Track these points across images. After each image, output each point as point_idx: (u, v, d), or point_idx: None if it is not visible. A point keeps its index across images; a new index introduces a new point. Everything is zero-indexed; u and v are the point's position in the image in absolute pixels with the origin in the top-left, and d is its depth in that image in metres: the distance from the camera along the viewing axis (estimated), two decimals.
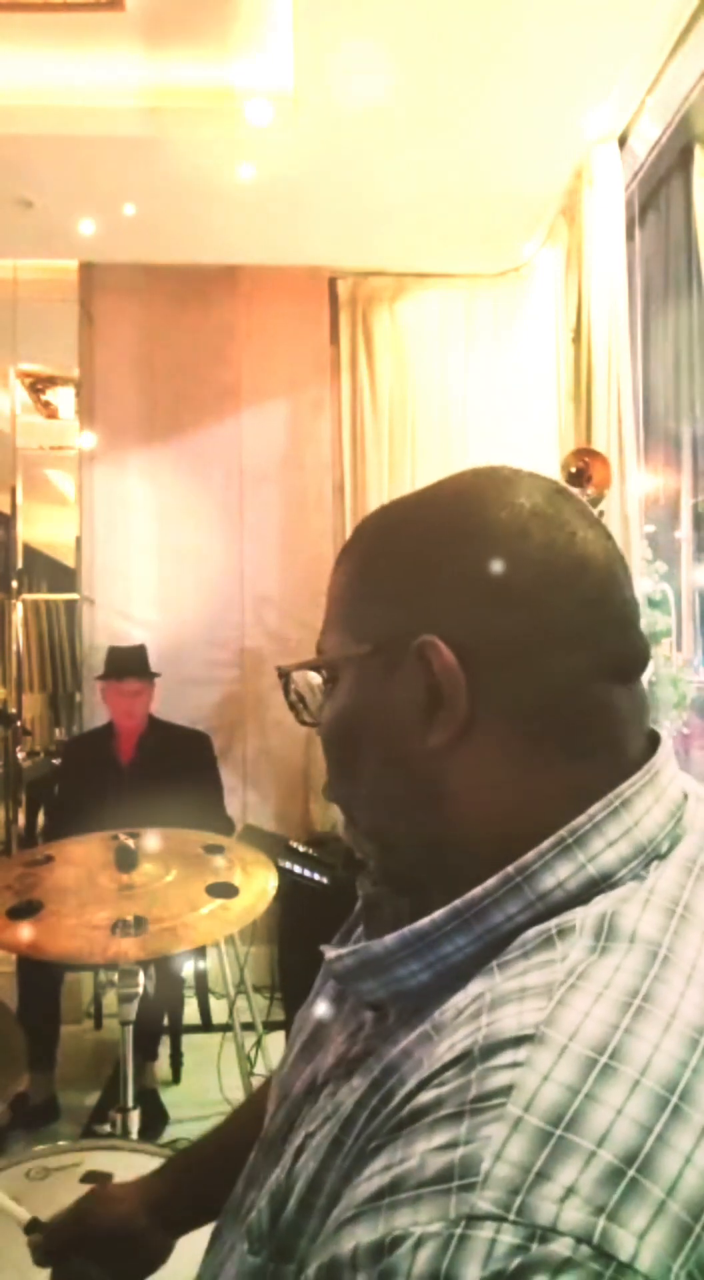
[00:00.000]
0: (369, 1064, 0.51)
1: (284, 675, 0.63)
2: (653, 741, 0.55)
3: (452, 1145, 0.38)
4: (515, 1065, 0.39)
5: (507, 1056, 0.40)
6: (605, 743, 0.52)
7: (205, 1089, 2.69)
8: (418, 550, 0.54)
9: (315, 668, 0.60)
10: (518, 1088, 0.38)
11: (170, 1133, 2.56)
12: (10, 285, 3.71)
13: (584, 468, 2.30)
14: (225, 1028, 2.89)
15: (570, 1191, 0.35)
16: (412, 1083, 0.45)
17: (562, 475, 2.30)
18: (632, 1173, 0.36)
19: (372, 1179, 0.41)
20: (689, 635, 2.95)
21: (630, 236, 2.89)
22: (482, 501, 0.54)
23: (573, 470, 2.30)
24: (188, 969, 3.05)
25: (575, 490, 2.26)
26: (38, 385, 3.98)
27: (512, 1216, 0.35)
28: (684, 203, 2.70)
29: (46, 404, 4.01)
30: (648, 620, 2.85)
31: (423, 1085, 0.43)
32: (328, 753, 0.60)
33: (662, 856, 0.49)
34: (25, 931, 1.58)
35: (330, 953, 0.56)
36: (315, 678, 0.61)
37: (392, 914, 0.60)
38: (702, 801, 0.55)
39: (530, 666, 0.51)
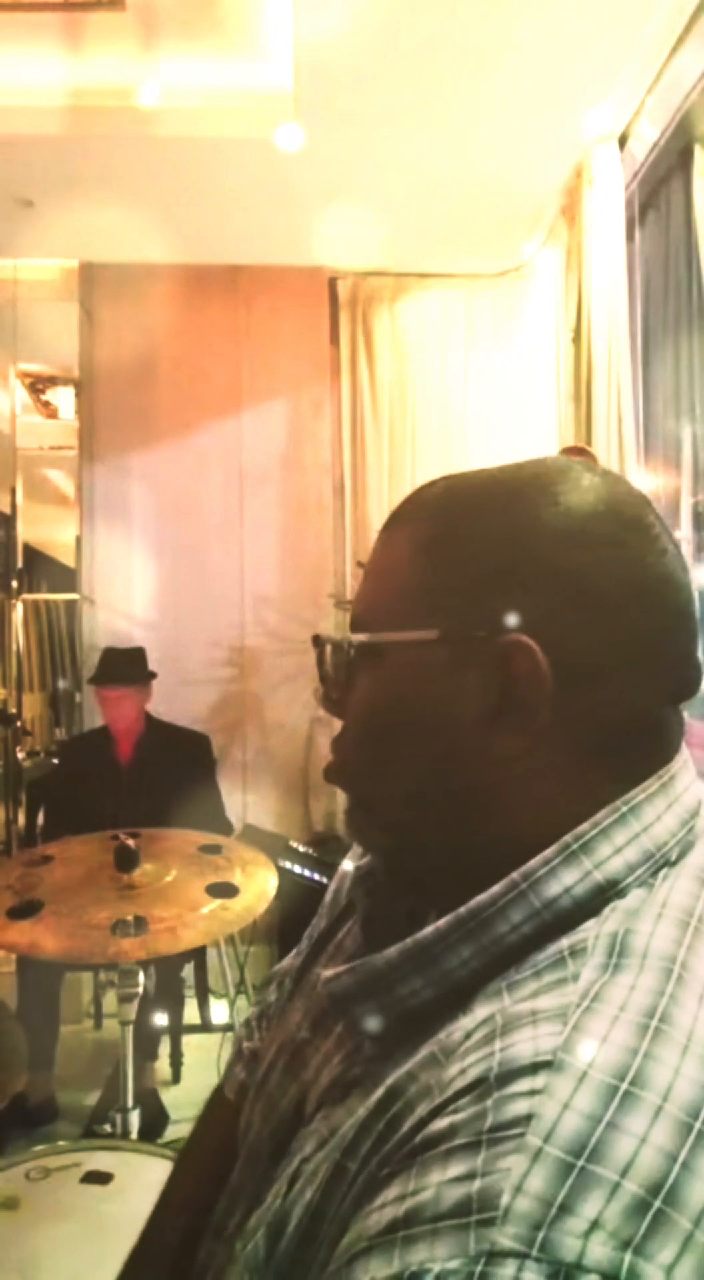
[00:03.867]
0: (367, 1086, 0.49)
1: (321, 646, 0.58)
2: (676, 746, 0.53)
3: (469, 1176, 0.37)
4: (533, 1093, 0.38)
5: (524, 1084, 0.38)
6: (654, 768, 0.50)
7: (205, 1089, 2.65)
8: (500, 538, 0.50)
9: (357, 643, 0.54)
10: (537, 1117, 0.37)
11: (170, 1132, 2.56)
12: (10, 285, 3.71)
13: None
14: (225, 1028, 2.90)
15: (595, 1225, 0.34)
16: (422, 1109, 0.43)
17: None
18: (657, 1203, 0.34)
19: (385, 1209, 0.40)
20: None
21: (630, 236, 2.89)
22: (575, 498, 0.50)
23: None
24: (188, 969, 3.05)
25: None
26: (38, 385, 3.98)
27: (534, 1253, 0.34)
28: (684, 203, 2.70)
29: (46, 404, 4.01)
30: None
31: (436, 1112, 0.42)
32: (360, 737, 0.55)
33: (671, 864, 0.48)
34: (25, 931, 1.58)
35: (326, 972, 0.53)
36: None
37: (388, 928, 0.58)
38: None
39: (607, 685, 0.48)
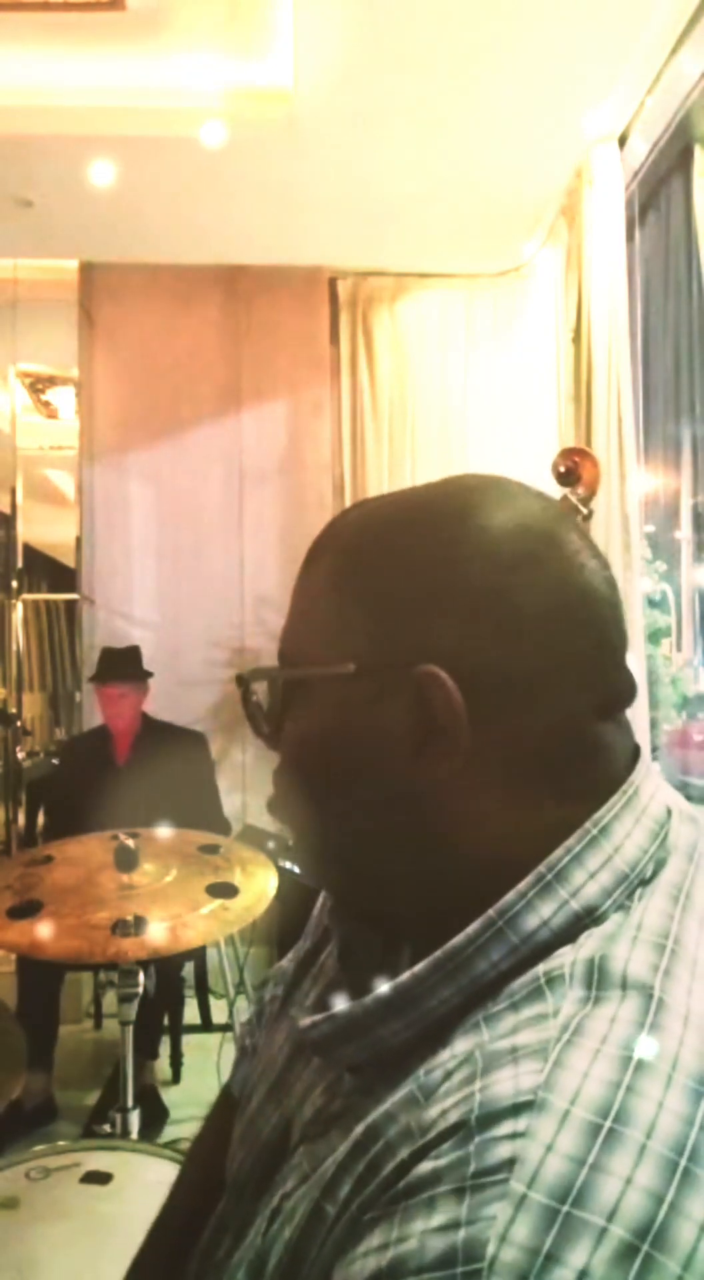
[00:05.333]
0: (347, 1122, 0.48)
1: (245, 684, 0.58)
2: (634, 757, 0.52)
3: (453, 1226, 0.36)
4: (516, 1136, 0.37)
5: (506, 1126, 0.37)
6: (597, 782, 0.49)
7: (205, 1089, 2.69)
8: (414, 564, 0.49)
9: (280, 679, 0.55)
10: (520, 1161, 0.36)
11: (170, 1132, 2.56)
12: (10, 285, 3.71)
13: (573, 467, 2.28)
14: (225, 1028, 2.90)
15: (583, 1275, 0.33)
16: (403, 1152, 0.42)
17: (552, 475, 2.29)
18: (645, 1248, 0.34)
19: (368, 1257, 0.39)
20: (689, 635, 2.95)
21: (630, 236, 2.89)
22: (487, 518, 0.50)
23: (562, 470, 2.27)
24: (188, 969, 3.05)
25: (565, 490, 2.26)
26: (38, 385, 3.98)
27: None
28: (684, 203, 2.70)
29: (46, 404, 4.01)
30: (648, 620, 2.85)
31: (417, 1156, 0.41)
32: (294, 774, 0.55)
33: (646, 881, 0.47)
34: (25, 931, 1.58)
35: (304, 1020, 0.52)
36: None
37: (365, 957, 0.57)
38: (686, 818, 0.51)
39: (534, 703, 0.48)
